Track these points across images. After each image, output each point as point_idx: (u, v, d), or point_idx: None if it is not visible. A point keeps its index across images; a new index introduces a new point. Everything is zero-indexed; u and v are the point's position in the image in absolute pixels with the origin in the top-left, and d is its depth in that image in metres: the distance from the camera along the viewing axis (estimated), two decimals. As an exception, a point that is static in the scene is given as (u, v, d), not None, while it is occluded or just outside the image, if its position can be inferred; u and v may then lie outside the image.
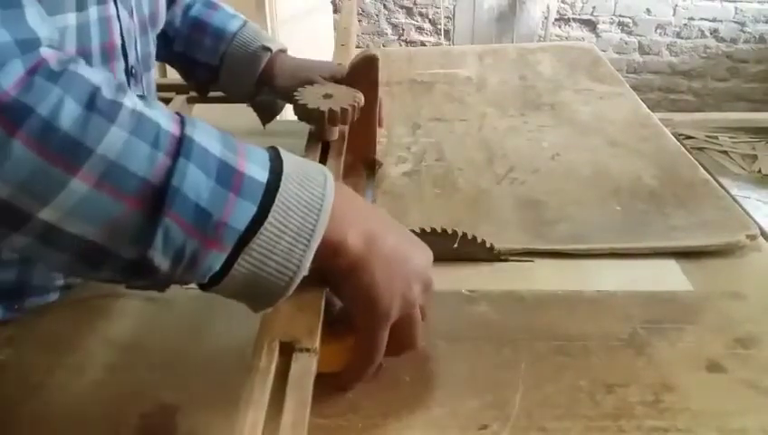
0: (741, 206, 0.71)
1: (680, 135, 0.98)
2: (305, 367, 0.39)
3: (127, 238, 0.36)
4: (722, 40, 2.94)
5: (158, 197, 0.36)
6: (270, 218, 0.38)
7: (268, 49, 0.75)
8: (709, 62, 2.99)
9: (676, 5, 2.90)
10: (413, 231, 0.63)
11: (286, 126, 0.99)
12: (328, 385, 0.46)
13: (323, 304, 0.44)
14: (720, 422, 0.46)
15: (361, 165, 0.76)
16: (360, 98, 0.61)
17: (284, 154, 0.42)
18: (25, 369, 0.52)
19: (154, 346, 0.54)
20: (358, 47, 3.11)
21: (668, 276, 0.62)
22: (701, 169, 0.78)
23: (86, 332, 0.55)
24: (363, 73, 0.67)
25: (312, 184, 0.41)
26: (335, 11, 2.98)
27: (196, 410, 0.47)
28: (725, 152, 2.89)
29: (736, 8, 2.87)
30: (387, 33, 3.14)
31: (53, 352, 0.53)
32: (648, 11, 2.93)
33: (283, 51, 0.77)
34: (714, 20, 2.90)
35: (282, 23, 1.94)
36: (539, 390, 0.49)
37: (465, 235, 0.63)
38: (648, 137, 0.87)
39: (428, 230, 0.63)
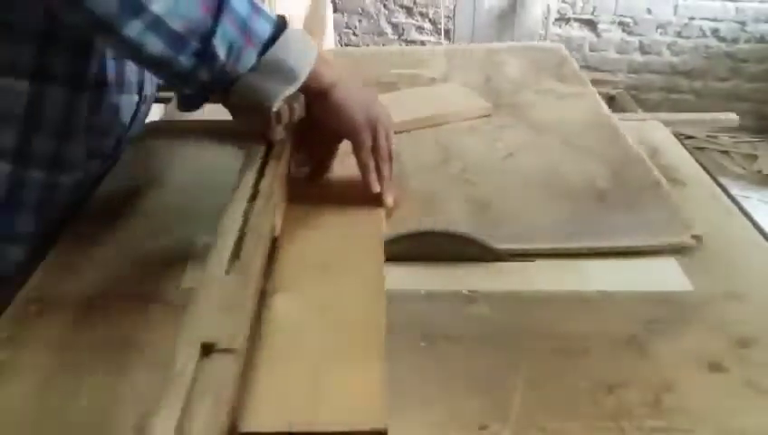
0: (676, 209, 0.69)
1: (681, 135, 0.96)
2: (223, 368, 0.38)
3: (199, 32, 0.56)
4: (723, 39, 2.94)
5: (219, 6, 0.56)
6: (282, 36, 0.60)
7: None
8: (710, 62, 2.99)
9: (677, 5, 2.90)
10: (411, 232, 0.64)
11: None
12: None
13: (254, 305, 0.45)
14: (720, 422, 0.46)
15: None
16: (302, 100, 0.63)
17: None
18: (25, 369, 0.52)
19: (153, 346, 0.54)
20: (357, 46, 3.12)
21: (669, 276, 0.62)
22: (654, 171, 0.77)
23: (86, 332, 0.55)
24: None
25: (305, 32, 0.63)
26: (335, 11, 2.98)
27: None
28: (726, 152, 2.89)
29: (737, 8, 2.86)
30: (387, 33, 3.14)
31: (53, 352, 0.53)
32: (649, 10, 2.92)
33: None
34: (714, 19, 2.90)
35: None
36: (539, 390, 0.49)
37: (465, 235, 0.63)
38: (604, 138, 0.85)
39: (429, 230, 0.63)
